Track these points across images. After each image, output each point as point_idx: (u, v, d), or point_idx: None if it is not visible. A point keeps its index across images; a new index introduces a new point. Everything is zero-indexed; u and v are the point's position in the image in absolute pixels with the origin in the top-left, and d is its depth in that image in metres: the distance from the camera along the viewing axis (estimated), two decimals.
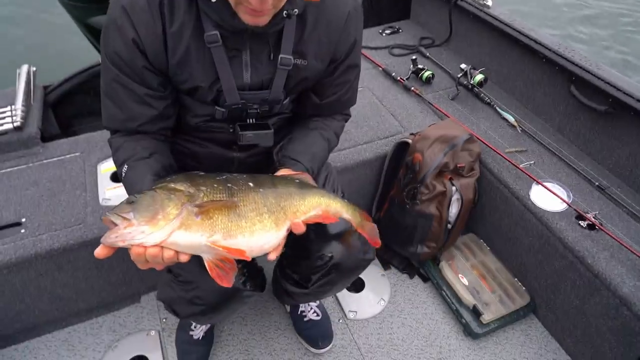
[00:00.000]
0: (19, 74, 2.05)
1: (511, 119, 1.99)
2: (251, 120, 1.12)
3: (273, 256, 0.91)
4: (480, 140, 1.83)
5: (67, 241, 1.50)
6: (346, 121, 1.33)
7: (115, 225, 0.77)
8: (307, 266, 1.21)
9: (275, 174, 1.10)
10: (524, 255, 1.75)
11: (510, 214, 1.75)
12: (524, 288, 1.78)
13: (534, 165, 1.79)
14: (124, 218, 0.77)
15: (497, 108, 2.05)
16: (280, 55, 1.02)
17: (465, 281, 1.80)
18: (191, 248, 0.82)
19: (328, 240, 1.18)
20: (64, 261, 1.53)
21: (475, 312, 1.70)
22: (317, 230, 1.15)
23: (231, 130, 1.13)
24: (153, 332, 1.69)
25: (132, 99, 1.01)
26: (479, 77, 2.08)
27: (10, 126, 1.78)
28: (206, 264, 0.83)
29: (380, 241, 1.10)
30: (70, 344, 1.65)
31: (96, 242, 1.50)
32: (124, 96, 1.01)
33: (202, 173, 0.92)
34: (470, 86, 2.12)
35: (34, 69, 2.11)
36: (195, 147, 1.21)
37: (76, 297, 1.66)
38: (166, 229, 0.78)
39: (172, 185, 0.83)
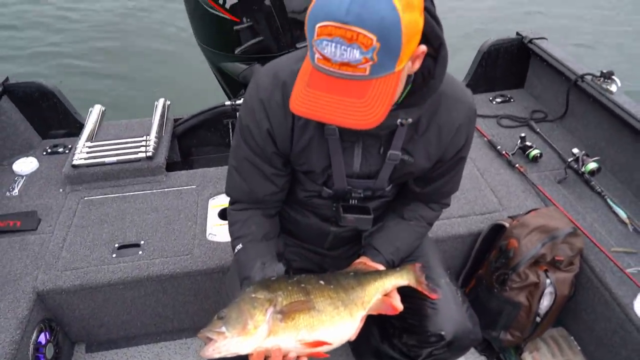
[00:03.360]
0: (156, 106, 2.35)
1: (623, 214, 1.87)
2: (354, 202, 1.20)
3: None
4: (585, 234, 1.74)
5: (174, 269, 1.68)
6: (444, 209, 1.36)
7: (211, 340, 0.87)
8: (419, 341, 1.25)
9: (354, 262, 1.19)
10: None
11: (609, 319, 1.64)
12: None
13: None
14: (218, 332, 0.87)
15: (609, 200, 1.93)
16: (390, 151, 1.09)
17: None
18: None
19: (442, 318, 1.22)
20: (169, 285, 1.71)
21: None
22: (431, 307, 1.22)
23: (334, 209, 1.22)
24: None
25: (259, 175, 1.14)
26: (592, 165, 1.98)
27: (143, 155, 2.04)
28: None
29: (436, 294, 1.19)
30: (161, 358, 1.83)
31: (199, 273, 1.70)
32: (252, 173, 1.14)
33: (274, 277, 1.03)
34: (580, 172, 2.03)
35: (169, 102, 2.40)
36: (297, 215, 1.32)
37: (172, 317, 1.84)
38: (257, 336, 0.87)
39: (253, 295, 0.92)
